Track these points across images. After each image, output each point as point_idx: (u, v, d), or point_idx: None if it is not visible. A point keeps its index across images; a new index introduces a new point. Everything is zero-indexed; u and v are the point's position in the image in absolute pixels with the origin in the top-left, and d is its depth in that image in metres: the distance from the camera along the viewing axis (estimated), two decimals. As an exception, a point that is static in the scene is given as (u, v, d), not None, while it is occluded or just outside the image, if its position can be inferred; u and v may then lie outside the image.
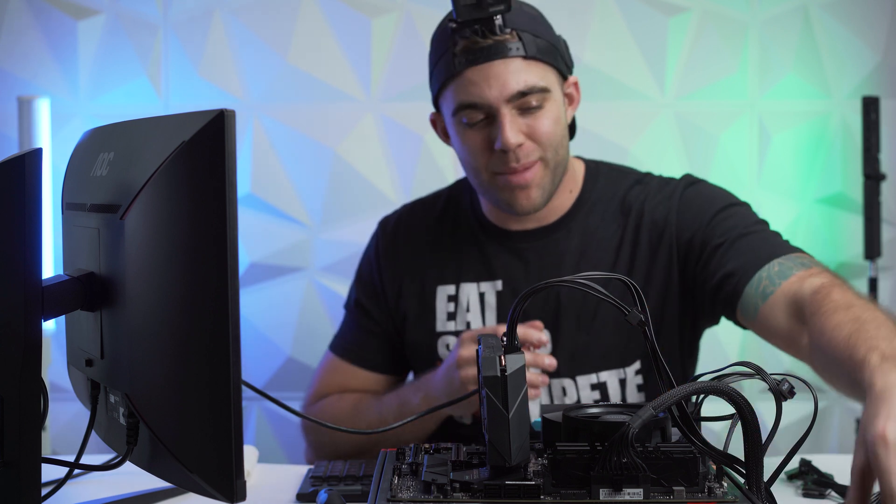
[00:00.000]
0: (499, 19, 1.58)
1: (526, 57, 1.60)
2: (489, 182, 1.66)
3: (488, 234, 1.77)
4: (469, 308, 1.74)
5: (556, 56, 1.66)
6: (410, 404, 1.66)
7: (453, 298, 1.75)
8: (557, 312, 1.70)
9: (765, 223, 1.68)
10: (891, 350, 1.16)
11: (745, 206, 1.72)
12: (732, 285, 1.57)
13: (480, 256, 1.76)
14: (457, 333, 1.75)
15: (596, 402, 1.69)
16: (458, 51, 1.61)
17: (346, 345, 1.85)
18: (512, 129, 1.60)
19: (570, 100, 1.72)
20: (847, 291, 1.41)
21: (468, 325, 1.74)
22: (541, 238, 1.74)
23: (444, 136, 1.75)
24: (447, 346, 1.75)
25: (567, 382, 1.69)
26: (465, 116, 1.63)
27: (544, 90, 1.62)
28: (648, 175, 1.80)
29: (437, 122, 1.77)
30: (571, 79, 1.71)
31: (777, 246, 1.59)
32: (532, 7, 1.68)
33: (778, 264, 1.55)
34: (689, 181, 1.76)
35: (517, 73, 1.60)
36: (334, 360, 1.85)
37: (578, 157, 1.80)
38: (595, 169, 1.80)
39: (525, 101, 1.61)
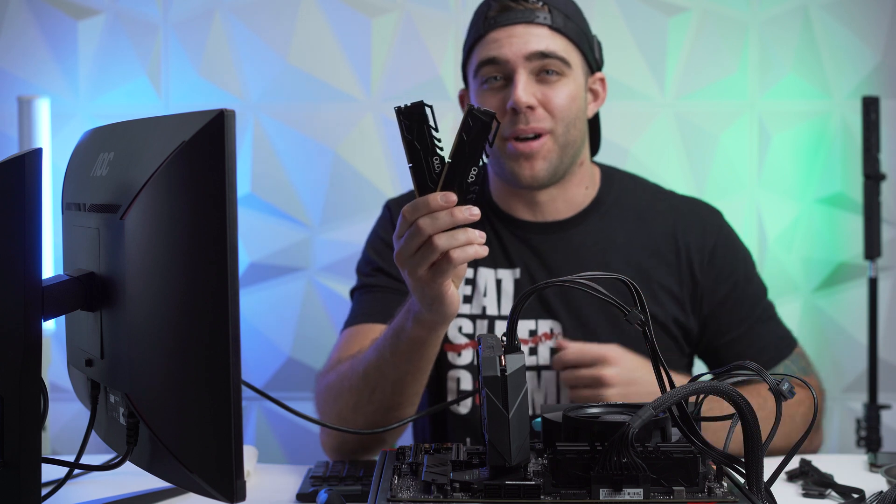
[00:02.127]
0: None
1: (552, 27, 1.66)
2: (498, 147, 1.67)
3: (502, 222, 1.77)
4: (486, 293, 1.73)
5: (584, 42, 1.70)
6: (405, 330, 1.52)
7: (470, 281, 1.74)
8: (570, 306, 1.70)
9: (766, 294, 1.82)
10: None
11: (751, 272, 1.81)
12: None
13: (497, 243, 1.75)
14: (471, 317, 1.73)
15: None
16: (490, 14, 1.67)
17: (363, 311, 1.75)
18: (525, 90, 1.63)
19: (595, 95, 1.76)
20: (792, 406, 1.58)
21: (483, 309, 1.73)
22: (556, 232, 1.74)
23: None
24: (459, 329, 1.73)
25: None
26: (483, 75, 1.67)
27: (564, 62, 1.66)
28: (659, 187, 1.84)
29: (464, 98, 1.79)
30: (598, 74, 1.75)
31: (782, 344, 1.77)
32: (575, 4, 1.73)
33: (783, 367, 1.73)
34: (720, 224, 1.80)
35: (540, 37, 1.65)
36: (350, 330, 1.74)
37: (592, 162, 1.81)
38: (611, 173, 1.82)
39: (543, 66, 1.64)
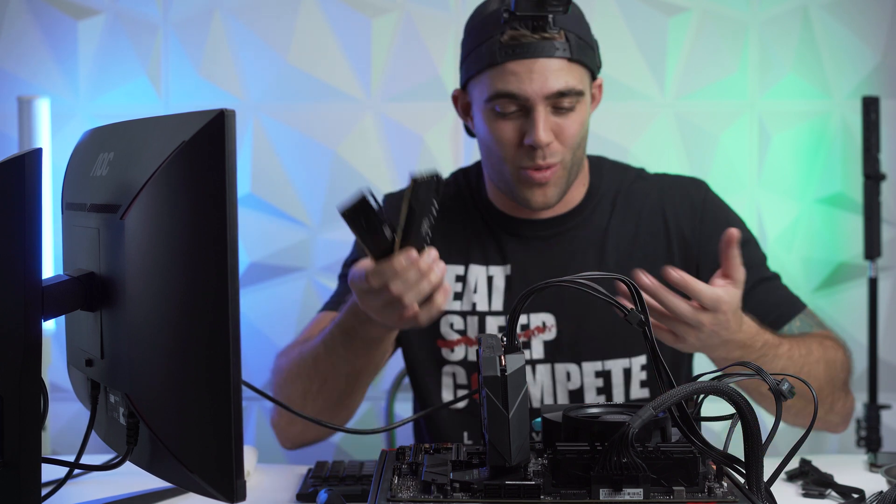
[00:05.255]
0: (551, 17, 1.61)
1: (570, 59, 1.63)
2: (512, 175, 1.67)
3: (496, 220, 1.78)
4: (476, 290, 1.75)
5: (592, 58, 1.70)
6: (357, 330, 1.56)
7: (461, 279, 1.75)
8: (564, 297, 1.71)
9: (766, 260, 1.81)
10: (762, 341, 1.53)
11: (751, 235, 1.81)
12: None
13: (490, 241, 1.77)
14: (462, 313, 1.74)
15: (599, 390, 1.70)
16: (504, 40, 1.62)
17: (335, 298, 1.80)
18: (546, 128, 1.62)
19: (592, 99, 1.75)
20: (828, 350, 1.65)
21: (474, 305, 1.74)
22: (551, 228, 1.76)
23: (465, 114, 1.76)
24: (451, 325, 1.74)
25: (572, 367, 1.70)
26: (498, 105, 1.65)
27: (580, 93, 1.65)
28: (644, 171, 1.85)
29: (458, 98, 1.76)
30: (598, 80, 1.74)
31: (794, 301, 1.76)
32: (576, 5, 1.70)
33: (799, 320, 1.73)
34: (705, 190, 1.82)
35: (559, 73, 1.62)
36: (321, 315, 1.78)
37: None
38: (598, 163, 1.83)
39: (560, 101, 1.63)
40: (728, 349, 1.48)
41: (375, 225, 1.38)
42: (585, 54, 1.66)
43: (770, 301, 1.73)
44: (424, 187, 1.38)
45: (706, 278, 1.72)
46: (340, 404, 1.64)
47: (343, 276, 1.84)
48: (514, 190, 1.69)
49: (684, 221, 1.76)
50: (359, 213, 1.37)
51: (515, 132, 1.65)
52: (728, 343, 1.48)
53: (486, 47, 1.65)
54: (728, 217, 1.80)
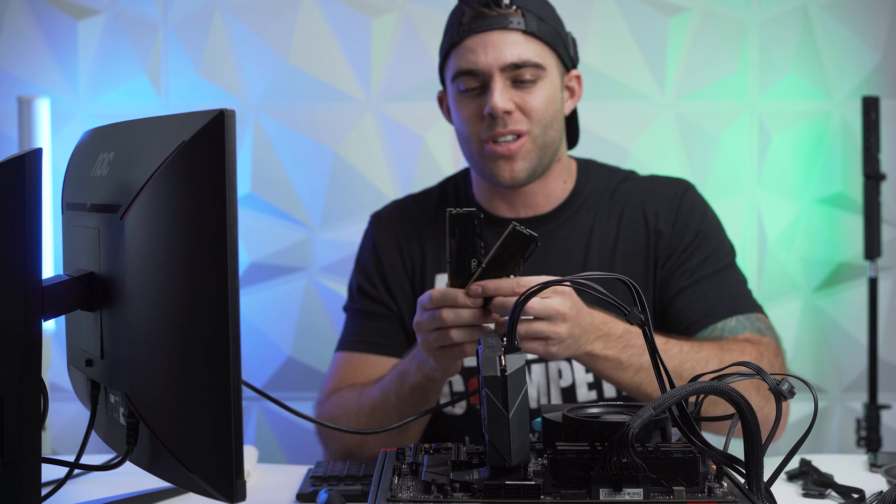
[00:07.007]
0: None
1: (526, 32, 1.67)
2: (478, 150, 1.71)
3: (485, 220, 1.78)
4: None
5: (559, 42, 1.72)
6: (409, 375, 1.60)
7: None
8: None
9: (734, 259, 1.79)
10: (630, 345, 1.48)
11: (719, 229, 1.80)
12: (687, 325, 1.70)
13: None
14: None
15: (590, 385, 1.70)
16: (463, 20, 1.68)
17: (352, 337, 1.81)
18: (502, 96, 1.65)
19: (571, 93, 1.78)
20: (730, 353, 1.58)
21: None
22: (536, 227, 1.76)
23: (448, 114, 1.80)
24: None
25: (563, 365, 1.72)
26: (461, 83, 1.69)
27: (539, 66, 1.68)
28: (633, 173, 1.86)
29: (443, 99, 1.82)
30: (574, 72, 1.77)
31: (740, 301, 1.72)
32: (547, 2, 1.75)
33: (735, 320, 1.68)
34: (686, 187, 1.83)
35: (514, 44, 1.66)
36: (343, 356, 1.81)
37: (570, 156, 1.84)
38: (586, 165, 1.86)
39: (519, 74, 1.67)
40: (588, 340, 1.45)
41: (467, 245, 1.40)
42: (546, 34, 1.69)
43: (706, 299, 1.71)
44: (519, 243, 1.37)
45: (663, 269, 1.73)
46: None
47: (350, 310, 1.85)
48: (483, 167, 1.71)
49: (662, 216, 1.77)
50: (461, 224, 1.40)
51: (478, 108, 1.69)
52: (588, 332, 1.45)
53: (450, 32, 1.71)
54: (704, 213, 1.79)
